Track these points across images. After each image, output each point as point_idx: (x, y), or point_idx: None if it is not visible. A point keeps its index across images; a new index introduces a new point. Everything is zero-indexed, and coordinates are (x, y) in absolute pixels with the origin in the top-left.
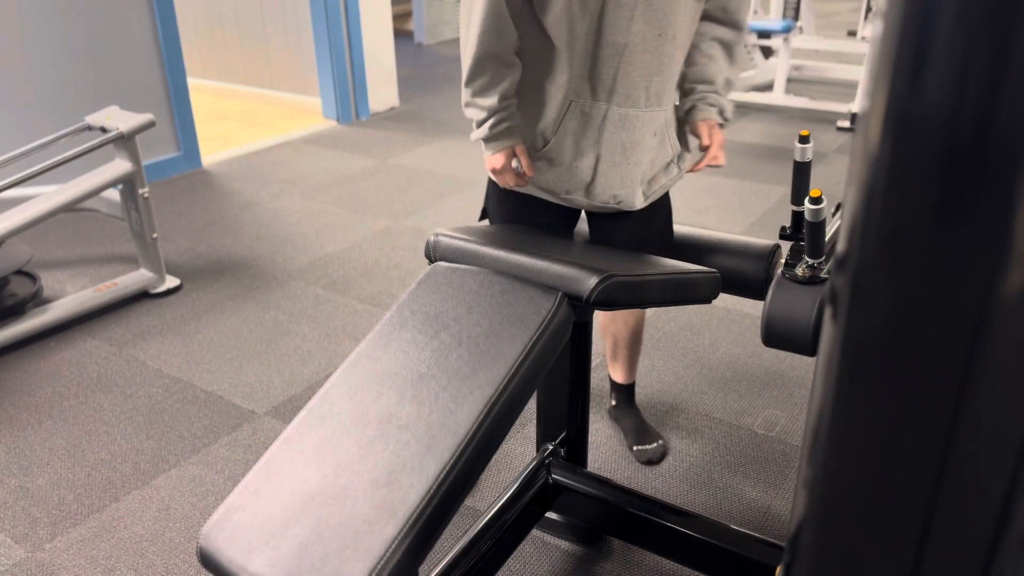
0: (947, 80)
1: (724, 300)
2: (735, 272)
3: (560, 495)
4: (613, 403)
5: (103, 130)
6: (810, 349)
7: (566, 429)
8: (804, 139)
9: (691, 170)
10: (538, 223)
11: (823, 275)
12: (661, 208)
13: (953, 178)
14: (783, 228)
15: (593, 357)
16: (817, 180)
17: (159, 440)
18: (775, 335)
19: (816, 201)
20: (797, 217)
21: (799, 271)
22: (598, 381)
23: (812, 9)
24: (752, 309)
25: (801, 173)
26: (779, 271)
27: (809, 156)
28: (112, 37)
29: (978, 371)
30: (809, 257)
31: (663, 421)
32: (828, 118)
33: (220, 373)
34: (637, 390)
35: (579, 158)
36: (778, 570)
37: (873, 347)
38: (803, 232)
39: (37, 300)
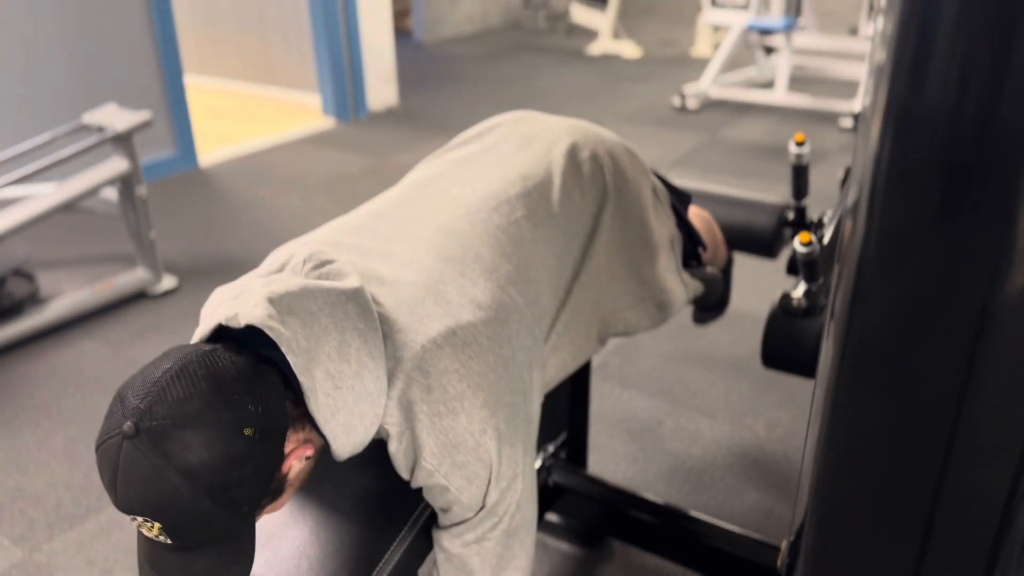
0: (948, 79)
1: None
2: (745, 229)
3: (560, 497)
4: None
5: (100, 129)
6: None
7: (566, 430)
8: (800, 144)
9: None
10: None
11: (821, 303)
12: None
13: (954, 177)
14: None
15: (593, 359)
16: (819, 180)
17: None
18: (775, 367)
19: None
20: (799, 213)
21: (795, 303)
22: (598, 382)
23: (814, 7)
24: (753, 310)
25: (799, 174)
26: (777, 301)
27: (806, 161)
28: (108, 34)
29: (980, 372)
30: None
31: (663, 421)
32: (830, 116)
33: None
34: (636, 389)
35: None
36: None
37: (874, 348)
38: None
39: (34, 300)
